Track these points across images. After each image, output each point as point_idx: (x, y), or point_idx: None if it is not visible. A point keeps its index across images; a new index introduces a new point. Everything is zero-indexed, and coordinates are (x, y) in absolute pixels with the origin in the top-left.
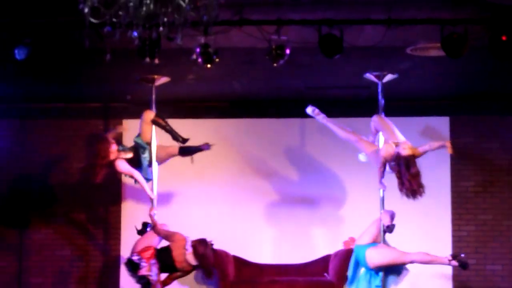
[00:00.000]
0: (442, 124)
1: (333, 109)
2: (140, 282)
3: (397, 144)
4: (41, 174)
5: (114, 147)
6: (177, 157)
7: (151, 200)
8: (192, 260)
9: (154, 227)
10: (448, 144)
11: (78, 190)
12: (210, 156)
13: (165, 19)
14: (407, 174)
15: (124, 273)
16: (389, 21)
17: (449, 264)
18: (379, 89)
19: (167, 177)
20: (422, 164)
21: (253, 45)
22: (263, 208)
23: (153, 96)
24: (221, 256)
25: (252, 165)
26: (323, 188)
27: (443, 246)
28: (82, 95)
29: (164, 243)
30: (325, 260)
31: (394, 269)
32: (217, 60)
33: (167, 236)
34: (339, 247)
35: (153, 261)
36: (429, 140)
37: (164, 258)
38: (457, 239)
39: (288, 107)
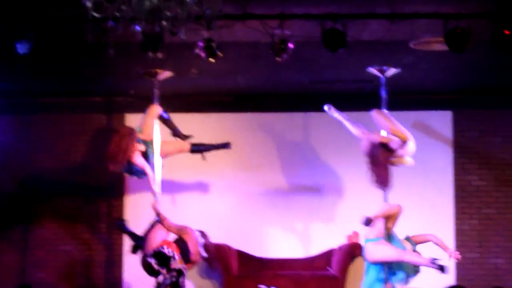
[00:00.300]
0: (445, 118)
1: (336, 103)
2: (170, 276)
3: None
4: (44, 169)
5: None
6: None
7: (155, 195)
8: (203, 252)
9: (162, 221)
10: None
11: (81, 185)
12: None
13: (168, 13)
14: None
15: (128, 267)
16: (393, 15)
17: (430, 266)
18: (382, 83)
19: (169, 171)
20: (424, 158)
21: (256, 40)
22: (266, 202)
23: (156, 91)
24: (224, 250)
25: (256, 159)
26: (327, 182)
27: (446, 240)
28: (85, 89)
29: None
30: (329, 254)
31: (404, 267)
32: (220, 54)
33: (179, 230)
34: (343, 241)
35: (179, 254)
36: (432, 135)
37: (183, 251)
38: (460, 233)
39: (292, 101)
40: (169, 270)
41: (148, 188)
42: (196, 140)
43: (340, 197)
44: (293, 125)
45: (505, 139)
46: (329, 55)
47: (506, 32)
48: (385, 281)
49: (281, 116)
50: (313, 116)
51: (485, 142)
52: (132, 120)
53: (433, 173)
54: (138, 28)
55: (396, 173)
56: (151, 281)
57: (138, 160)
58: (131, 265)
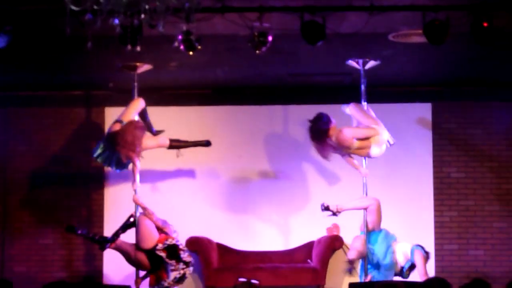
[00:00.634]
0: (424, 110)
1: (315, 96)
2: (182, 269)
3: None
4: (23, 162)
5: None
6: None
7: (136, 188)
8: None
9: (148, 215)
10: None
11: (61, 178)
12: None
13: (147, 6)
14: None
15: (108, 260)
16: (371, 7)
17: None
18: (361, 76)
19: (148, 165)
20: (404, 149)
21: (235, 32)
22: (246, 195)
23: (136, 84)
24: (204, 243)
25: (234, 152)
26: (307, 175)
27: (426, 231)
28: (64, 83)
29: None
30: (309, 246)
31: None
32: (199, 47)
33: (162, 226)
34: (323, 233)
35: None
36: (411, 127)
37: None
38: (439, 225)
39: (271, 94)
40: (179, 261)
41: (130, 180)
42: (174, 133)
43: (321, 190)
44: (272, 118)
45: (484, 131)
46: (308, 48)
47: (485, 24)
48: (365, 272)
49: (260, 109)
50: (292, 108)
51: (464, 134)
52: (111, 113)
53: (413, 165)
54: (116, 21)
55: (376, 165)
56: (131, 274)
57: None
58: (111, 258)
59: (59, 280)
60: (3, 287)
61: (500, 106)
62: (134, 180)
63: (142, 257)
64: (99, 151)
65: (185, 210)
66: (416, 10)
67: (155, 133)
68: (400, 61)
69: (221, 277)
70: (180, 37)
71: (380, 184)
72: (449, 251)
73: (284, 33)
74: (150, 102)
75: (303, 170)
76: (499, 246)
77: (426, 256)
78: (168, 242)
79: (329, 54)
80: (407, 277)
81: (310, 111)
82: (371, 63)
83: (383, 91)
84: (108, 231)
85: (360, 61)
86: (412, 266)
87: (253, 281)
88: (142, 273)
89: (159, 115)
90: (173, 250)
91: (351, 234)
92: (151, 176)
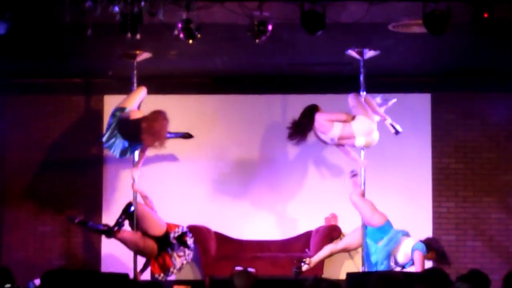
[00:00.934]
0: (423, 101)
1: (315, 86)
2: (188, 254)
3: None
4: (22, 149)
5: None
6: None
7: (134, 177)
8: None
9: (145, 202)
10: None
11: (59, 166)
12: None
13: None
14: None
15: (106, 248)
16: None
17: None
18: (361, 66)
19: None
20: (403, 140)
21: (235, 21)
22: (244, 185)
23: (135, 72)
24: (203, 232)
25: (233, 141)
26: (305, 164)
27: (424, 222)
28: (63, 70)
29: None
30: (307, 236)
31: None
32: (199, 36)
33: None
34: (321, 223)
35: None
36: (410, 117)
37: None
38: (438, 216)
39: (270, 83)
40: (186, 247)
41: (129, 168)
42: (173, 122)
43: (319, 179)
44: (271, 107)
45: (483, 122)
46: (308, 37)
47: (485, 14)
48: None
49: (259, 98)
50: (292, 98)
51: (463, 124)
52: (110, 101)
53: (412, 155)
54: (116, 9)
55: (375, 156)
56: (129, 262)
57: None
58: (110, 246)
59: (58, 268)
60: (2, 274)
61: (499, 97)
62: (136, 168)
63: (152, 244)
64: (107, 135)
65: (184, 199)
66: (416, 0)
67: None
68: (400, 51)
69: (219, 266)
70: (180, 25)
71: (379, 174)
72: (447, 241)
73: (284, 22)
74: (149, 90)
75: (302, 159)
76: (497, 237)
77: (439, 252)
78: (179, 230)
79: (329, 43)
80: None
81: (309, 100)
82: (371, 53)
83: (383, 81)
84: (106, 219)
85: (360, 51)
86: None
87: (250, 269)
88: (139, 265)
89: (158, 104)
90: (182, 237)
91: (349, 224)
92: (148, 165)
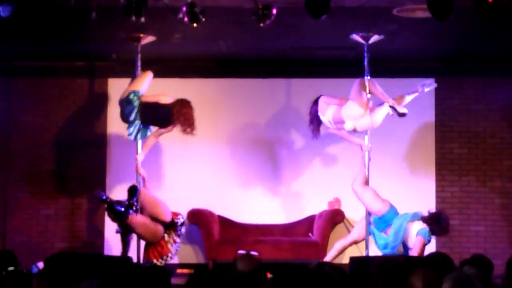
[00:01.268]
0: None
1: (319, 70)
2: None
3: None
4: (26, 132)
5: None
6: None
7: (138, 160)
8: None
9: (144, 185)
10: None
11: (63, 148)
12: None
13: None
14: None
15: (109, 231)
16: None
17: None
18: (365, 50)
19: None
20: (406, 124)
21: (239, 5)
22: (248, 168)
23: (139, 55)
24: (206, 216)
25: (237, 124)
26: (308, 148)
27: (427, 207)
28: (68, 53)
29: None
30: (310, 220)
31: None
32: (203, 19)
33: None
34: (324, 207)
35: None
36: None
37: None
38: (441, 200)
39: (274, 67)
40: (180, 235)
41: (133, 151)
42: None
43: (322, 163)
44: (275, 91)
45: (487, 107)
46: (312, 21)
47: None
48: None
49: (263, 82)
50: (295, 82)
51: (467, 110)
52: (114, 84)
53: (415, 140)
54: None
55: (378, 140)
56: (132, 245)
57: None
58: (113, 229)
59: (62, 251)
60: (6, 257)
61: (504, 82)
62: (143, 151)
63: (161, 230)
64: (132, 118)
65: (187, 183)
66: None
67: None
68: (404, 36)
69: (222, 250)
70: (184, 8)
71: (383, 159)
72: (451, 226)
73: (288, 6)
74: (153, 73)
75: (306, 144)
76: (500, 222)
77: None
78: (182, 217)
79: (333, 28)
80: None
81: (313, 85)
82: (375, 38)
83: (387, 65)
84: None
85: (364, 35)
86: None
87: (253, 253)
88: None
89: (161, 87)
90: (182, 225)
91: (353, 208)
92: (152, 149)
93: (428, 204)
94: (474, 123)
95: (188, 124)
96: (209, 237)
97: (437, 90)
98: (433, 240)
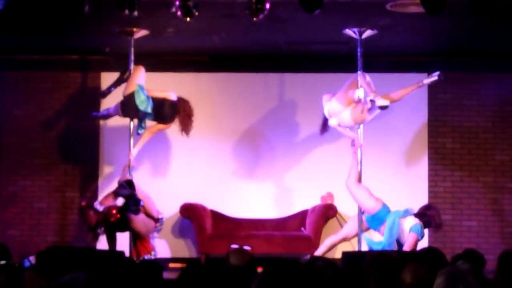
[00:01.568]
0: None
1: (312, 65)
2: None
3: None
4: (19, 125)
5: None
6: None
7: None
8: None
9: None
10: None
11: (56, 142)
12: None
13: None
14: None
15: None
16: None
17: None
18: (358, 45)
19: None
20: (399, 119)
21: None
22: (240, 163)
23: (132, 49)
24: (198, 210)
25: (230, 119)
26: (301, 143)
27: (420, 201)
28: (60, 47)
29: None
30: (303, 214)
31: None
32: (196, 13)
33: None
34: (317, 202)
35: None
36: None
37: None
38: (434, 195)
39: (267, 61)
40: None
41: (125, 145)
42: None
43: (315, 158)
44: (268, 86)
45: (480, 102)
46: (306, 16)
47: None
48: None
49: (256, 77)
50: (289, 76)
51: (460, 105)
52: (107, 78)
53: (408, 135)
54: None
55: (371, 135)
56: (125, 240)
57: None
58: None
59: (54, 245)
60: None
61: (496, 78)
62: (137, 146)
63: (153, 226)
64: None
65: (179, 177)
66: None
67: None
68: (397, 31)
69: (215, 244)
70: (177, 2)
71: (375, 153)
72: (441, 218)
73: (282, 0)
74: (146, 68)
75: (298, 138)
76: (492, 217)
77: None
78: (162, 215)
79: (326, 22)
80: None
81: (306, 79)
82: (368, 33)
83: (380, 60)
84: (102, 195)
85: (357, 30)
86: None
87: (245, 247)
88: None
89: (155, 81)
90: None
91: (345, 203)
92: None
93: (420, 198)
94: (467, 118)
95: (188, 123)
96: (201, 231)
97: (429, 85)
98: (426, 234)
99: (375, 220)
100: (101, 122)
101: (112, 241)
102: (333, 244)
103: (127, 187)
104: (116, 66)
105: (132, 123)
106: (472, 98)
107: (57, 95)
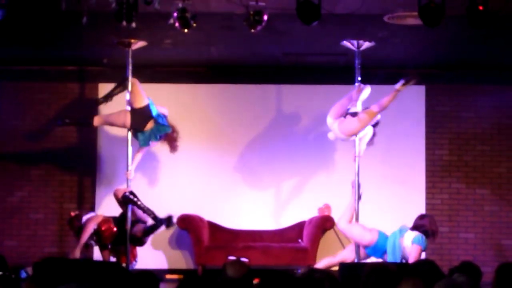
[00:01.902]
0: (418, 92)
1: (310, 76)
2: None
3: None
4: (16, 136)
5: None
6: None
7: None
8: None
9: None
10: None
11: (53, 154)
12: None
13: None
14: None
15: None
16: None
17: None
18: (356, 57)
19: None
20: (397, 131)
21: (230, 11)
22: (238, 174)
23: (130, 60)
24: (195, 221)
25: (228, 130)
26: (298, 155)
27: (417, 213)
28: (58, 58)
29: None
30: (300, 226)
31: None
32: (194, 25)
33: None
34: (314, 213)
35: None
36: (404, 109)
37: None
38: (431, 207)
39: (265, 73)
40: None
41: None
42: (168, 110)
43: (312, 169)
44: (266, 97)
45: (477, 114)
46: (303, 28)
47: (480, 7)
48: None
49: (254, 88)
50: (286, 88)
51: (457, 117)
52: (105, 89)
53: (406, 147)
54: None
55: (369, 147)
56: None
57: None
58: None
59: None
60: None
61: (493, 90)
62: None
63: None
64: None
65: (177, 188)
66: None
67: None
68: (395, 43)
69: (212, 255)
70: (175, 14)
71: (373, 165)
72: (440, 233)
73: (280, 12)
74: (144, 79)
75: (296, 150)
76: (490, 230)
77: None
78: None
79: (324, 34)
80: None
81: (304, 91)
82: (366, 44)
83: (378, 72)
84: (99, 206)
85: (355, 42)
86: None
87: (243, 259)
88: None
89: (152, 92)
90: None
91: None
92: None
93: (417, 211)
94: (464, 130)
95: (176, 143)
96: (198, 242)
97: (427, 97)
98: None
99: (377, 251)
100: (99, 132)
101: (105, 252)
102: (330, 265)
103: (133, 197)
104: (113, 77)
105: (129, 133)
106: (470, 110)
107: (55, 105)
